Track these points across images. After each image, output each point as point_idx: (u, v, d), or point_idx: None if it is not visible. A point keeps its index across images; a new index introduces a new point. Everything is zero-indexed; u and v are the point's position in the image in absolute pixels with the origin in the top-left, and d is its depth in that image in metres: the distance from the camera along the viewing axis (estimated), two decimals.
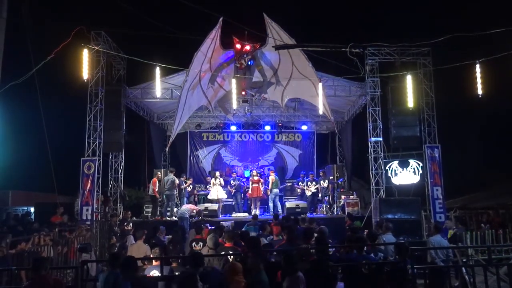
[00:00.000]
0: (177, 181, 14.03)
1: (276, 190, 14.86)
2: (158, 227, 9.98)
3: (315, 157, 19.61)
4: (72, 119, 19.30)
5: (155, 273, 5.87)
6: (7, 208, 19.05)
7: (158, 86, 13.38)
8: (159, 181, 14.34)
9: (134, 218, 13.98)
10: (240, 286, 4.72)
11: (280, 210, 14.46)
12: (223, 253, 6.32)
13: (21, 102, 14.99)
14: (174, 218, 13.44)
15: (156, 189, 14.09)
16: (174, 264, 6.37)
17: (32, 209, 16.70)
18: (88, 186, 13.05)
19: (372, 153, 14.22)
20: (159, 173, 14.69)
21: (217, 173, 15.46)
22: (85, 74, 12.15)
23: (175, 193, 13.93)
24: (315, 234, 6.88)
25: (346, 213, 13.49)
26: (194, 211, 12.81)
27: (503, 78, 15.43)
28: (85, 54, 12.08)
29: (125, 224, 12.19)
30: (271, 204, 14.83)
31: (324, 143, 20.43)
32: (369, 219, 12.60)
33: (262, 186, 14.96)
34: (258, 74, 14.26)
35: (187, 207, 12.73)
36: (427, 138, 13.89)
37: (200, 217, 12.65)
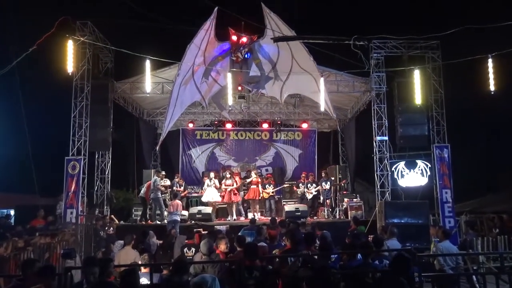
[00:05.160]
0: (160, 183, 13.99)
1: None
2: (148, 232, 9.95)
3: (316, 157, 19.66)
4: (56, 115, 19.18)
5: (144, 281, 5.85)
6: None
7: (148, 80, 13.35)
8: None
9: (122, 222, 13.93)
10: None
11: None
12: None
13: (1, 97, 14.95)
14: (166, 221, 13.41)
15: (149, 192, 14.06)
16: (164, 271, 6.36)
17: (12, 212, 16.62)
18: (73, 187, 12.98)
19: (377, 153, 14.22)
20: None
21: (212, 174, 15.43)
22: (70, 67, 12.11)
23: (159, 195, 13.87)
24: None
25: (350, 217, 13.48)
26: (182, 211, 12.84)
27: None
28: (70, 46, 12.03)
29: (106, 228, 12.09)
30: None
31: (325, 142, 20.48)
32: (373, 223, 12.60)
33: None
34: (255, 68, 14.26)
35: (176, 208, 12.62)
36: (435, 137, 13.90)
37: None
